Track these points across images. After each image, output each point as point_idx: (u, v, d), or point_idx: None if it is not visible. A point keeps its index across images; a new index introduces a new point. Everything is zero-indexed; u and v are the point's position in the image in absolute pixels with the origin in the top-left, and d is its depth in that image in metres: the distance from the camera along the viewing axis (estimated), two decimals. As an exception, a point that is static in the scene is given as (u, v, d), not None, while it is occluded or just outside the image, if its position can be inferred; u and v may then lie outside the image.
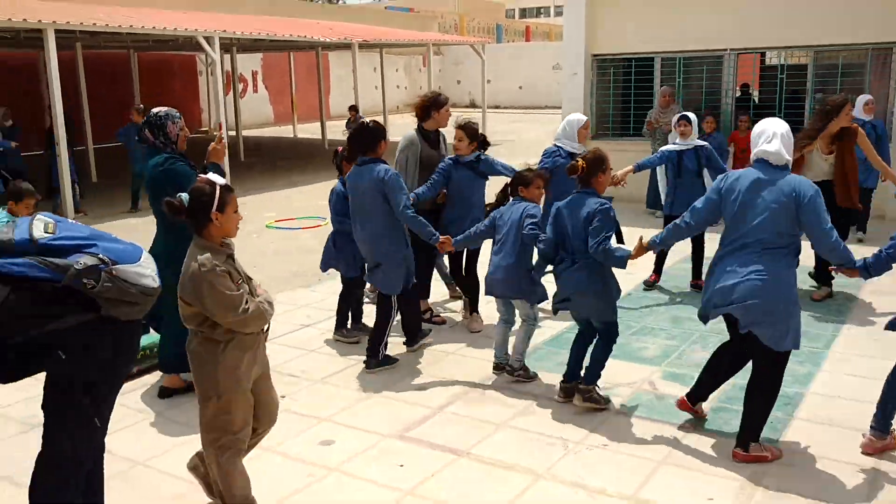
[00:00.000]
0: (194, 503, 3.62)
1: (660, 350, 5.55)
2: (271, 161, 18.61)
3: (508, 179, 5.28)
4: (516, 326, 5.06)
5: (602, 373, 4.55)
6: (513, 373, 4.99)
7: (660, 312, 6.44)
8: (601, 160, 4.49)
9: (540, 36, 52.17)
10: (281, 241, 9.68)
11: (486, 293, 5.09)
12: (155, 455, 4.15)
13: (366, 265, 5.43)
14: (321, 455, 4.12)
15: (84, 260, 2.66)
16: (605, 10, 11.27)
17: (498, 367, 5.11)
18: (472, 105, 35.03)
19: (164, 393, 4.90)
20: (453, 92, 34.36)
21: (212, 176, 3.19)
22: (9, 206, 5.12)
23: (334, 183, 5.98)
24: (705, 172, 6.88)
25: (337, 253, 5.85)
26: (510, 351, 5.07)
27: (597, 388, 4.54)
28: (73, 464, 2.87)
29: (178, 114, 4.86)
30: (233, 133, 19.90)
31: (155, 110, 4.84)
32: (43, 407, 2.83)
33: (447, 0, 45.05)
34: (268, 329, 3.31)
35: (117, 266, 2.72)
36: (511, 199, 5.08)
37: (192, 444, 3.76)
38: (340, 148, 5.92)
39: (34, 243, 2.64)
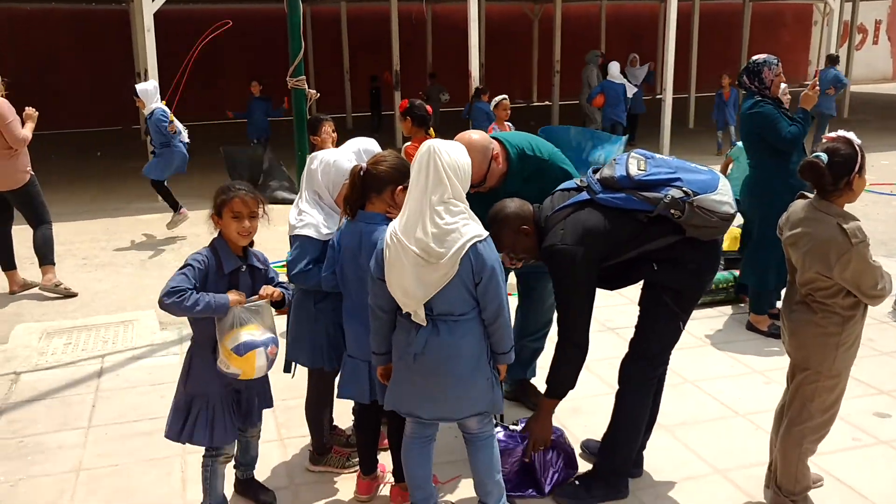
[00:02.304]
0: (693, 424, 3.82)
1: None
2: (881, 120, 16.94)
3: None
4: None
5: None
6: None
7: None
8: None
9: None
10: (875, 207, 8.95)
11: None
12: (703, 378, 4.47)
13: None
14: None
15: (671, 193, 3.00)
16: None
17: None
18: None
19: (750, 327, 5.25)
20: None
21: (845, 133, 2.88)
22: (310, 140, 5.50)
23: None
24: None
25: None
26: None
27: None
28: (657, 362, 3.31)
29: (775, 60, 5.06)
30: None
31: (755, 57, 5.12)
32: (639, 304, 3.32)
33: None
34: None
35: (698, 196, 3.01)
36: None
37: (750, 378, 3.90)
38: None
39: (630, 179, 3.06)
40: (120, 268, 7.21)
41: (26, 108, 6.17)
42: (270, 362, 2.94)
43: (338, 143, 4.37)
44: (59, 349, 5.08)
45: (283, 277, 3.27)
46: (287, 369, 3.53)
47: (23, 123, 6.07)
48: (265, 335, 2.90)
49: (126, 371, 4.73)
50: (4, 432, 3.97)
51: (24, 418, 4.14)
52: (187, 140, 8.19)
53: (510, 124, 8.26)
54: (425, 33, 19.88)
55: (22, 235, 6.52)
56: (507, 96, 8.44)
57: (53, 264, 6.39)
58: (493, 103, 8.26)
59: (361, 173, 2.99)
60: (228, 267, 2.94)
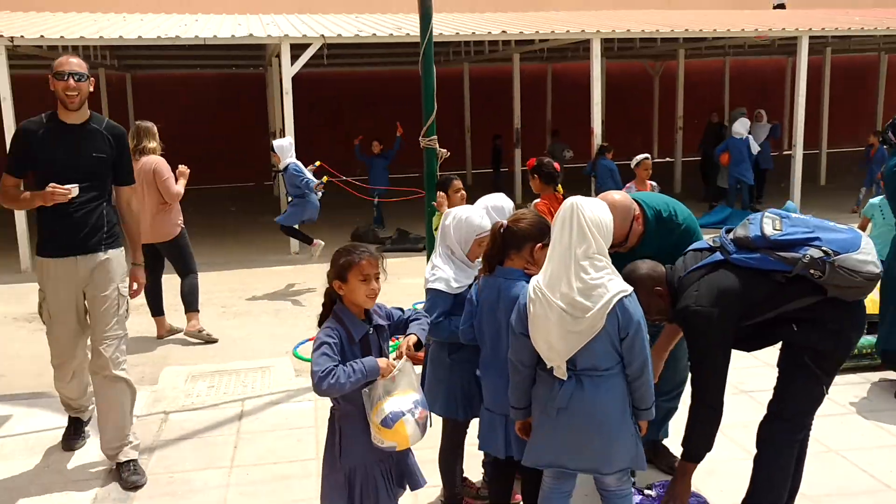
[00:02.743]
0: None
1: None
2: None
3: None
4: None
5: None
6: None
7: None
8: None
9: None
10: None
11: None
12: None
13: None
14: None
15: (810, 253, 2.94)
16: None
17: None
18: None
19: None
20: None
21: None
22: (438, 198, 5.59)
23: None
24: None
25: None
26: None
27: None
28: (798, 425, 3.19)
29: None
30: None
31: (902, 111, 4.97)
32: (778, 365, 3.23)
33: None
34: None
35: (839, 256, 2.93)
36: None
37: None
38: None
39: (766, 238, 3.02)
40: (256, 316, 7.59)
41: (180, 165, 6.68)
42: (422, 427, 2.82)
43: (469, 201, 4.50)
44: (203, 392, 5.37)
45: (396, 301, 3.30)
46: None
47: (176, 180, 6.56)
48: (410, 399, 2.80)
49: (265, 415, 4.95)
50: (157, 468, 4.23)
51: (173, 455, 4.40)
52: (320, 194, 8.62)
53: (654, 183, 8.07)
54: (545, 90, 20.14)
55: (168, 283, 6.98)
56: (648, 155, 8.23)
57: (198, 311, 6.80)
58: (633, 162, 8.05)
59: (502, 230, 3.08)
60: (358, 334, 2.85)
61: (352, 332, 2.84)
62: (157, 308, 6.83)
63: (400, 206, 11.24)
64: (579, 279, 2.69)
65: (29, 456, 4.39)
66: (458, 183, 5.70)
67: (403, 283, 7.19)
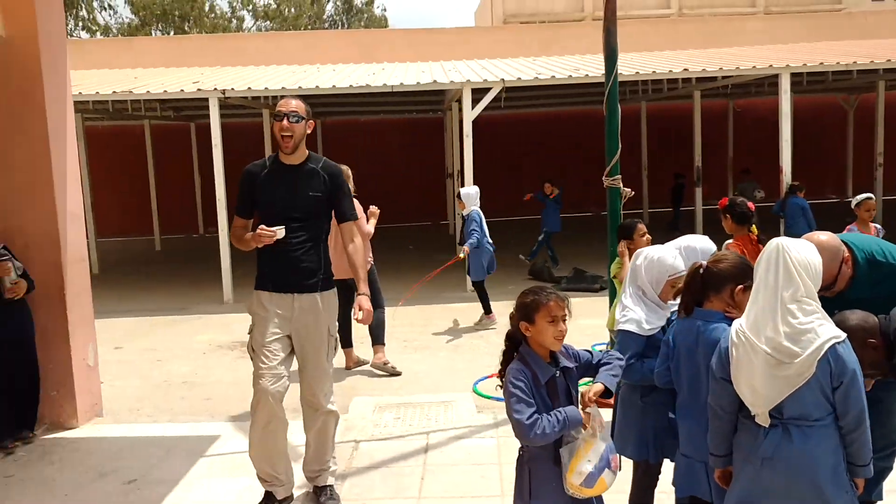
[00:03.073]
0: None
1: None
2: None
3: None
4: None
5: None
6: None
7: None
8: None
9: None
10: None
11: None
12: None
13: None
14: None
15: None
16: None
17: None
18: None
19: None
20: None
21: None
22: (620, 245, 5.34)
23: None
24: None
25: None
26: None
27: None
28: None
29: None
30: None
31: None
32: None
33: None
34: None
35: None
36: None
37: None
38: None
39: None
40: (436, 351, 7.80)
41: (371, 206, 7.04)
42: (617, 470, 2.83)
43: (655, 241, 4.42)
44: (390, 423, 5.58)
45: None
46: None
47: (367, 219, 6.93)
48: (604, 449, 2.77)
49: (449, 449, 5.05)
50: (349, 495, 4.43)
51: (363, 484, 4.59)
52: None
53: (878, 226, 7.21)
54: (726, 127, 19.43)
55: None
56: (872, 195, 7.29)
57: (384, 345, 7.09)
58: (854, 202, 7.27)
59: (701, 271, 3.01)
60: (544, 377, 2.81)
61: (538, 374, 2.81)
62: (346, 340, 7.19)
63: (578, 244, 11.20)
64: (786, 323, 2.58)
65: (232, 475, 4.74)
66: (642, 227, 5.57)
67: (581, 324, 7.11)
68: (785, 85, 10.98)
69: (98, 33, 33.43)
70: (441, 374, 6.99)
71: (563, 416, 2.71)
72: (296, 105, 4.03)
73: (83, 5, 32.87)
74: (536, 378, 2.81)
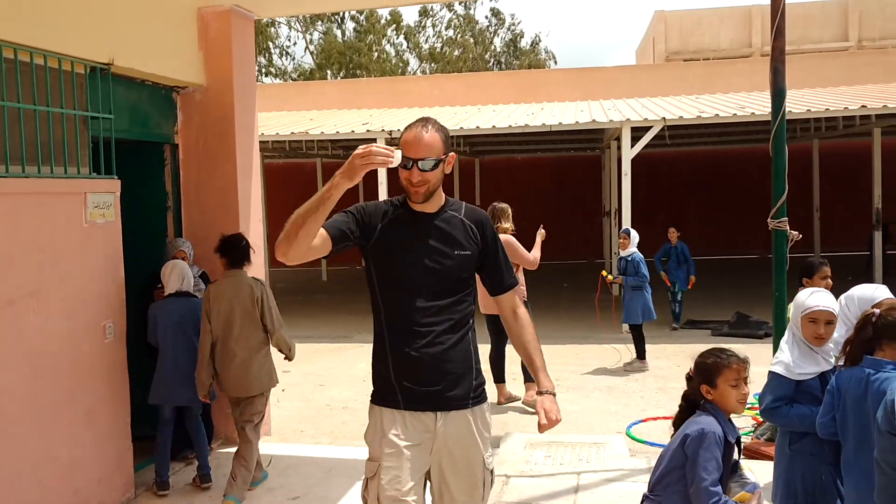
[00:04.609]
0: None
1: None
2: None
3: None
4: None
5: None
6: None
7: None
8: None
9: None
10: None
11: None
12: None
13: None
14: None
15: None
16: None
17: None
18: None
19: None
20: None
21: None
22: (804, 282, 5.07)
23: None
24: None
25: None
26: None
27: None
28: None
29: None
30: None
31: None
32: None
33: None
34: None
35: None
36: None
37: None
38: None
39: None
40: (588, 392, 7.73)
41: (540, 227, 7.43)
42: None
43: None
44: (541, 461, 5.60)
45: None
46: None
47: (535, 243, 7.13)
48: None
49: (600, 491, 5.01)
50: (499, 527, 4.51)
51: (514, 518, 4.65)
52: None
53: None
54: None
55: (511, 353, 7.43)
56: None
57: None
58: None
59: (874, 318, 2.89)
60: (732, 437, 2.80)
61: (727, 433, 2.78)
62: (499, 375, 7.30)
63: (742, 287, 10.73)
64: None
65: None
66: (826, 269, 5.15)
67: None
68: (980, 122, 10.13)
69: (276, 77, 36.09)
70: (593, 415, 6.93)
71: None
72: (427, 145, 2.74)
73: (266, 53, 35.61)
74: (726, 437, 2.78)
